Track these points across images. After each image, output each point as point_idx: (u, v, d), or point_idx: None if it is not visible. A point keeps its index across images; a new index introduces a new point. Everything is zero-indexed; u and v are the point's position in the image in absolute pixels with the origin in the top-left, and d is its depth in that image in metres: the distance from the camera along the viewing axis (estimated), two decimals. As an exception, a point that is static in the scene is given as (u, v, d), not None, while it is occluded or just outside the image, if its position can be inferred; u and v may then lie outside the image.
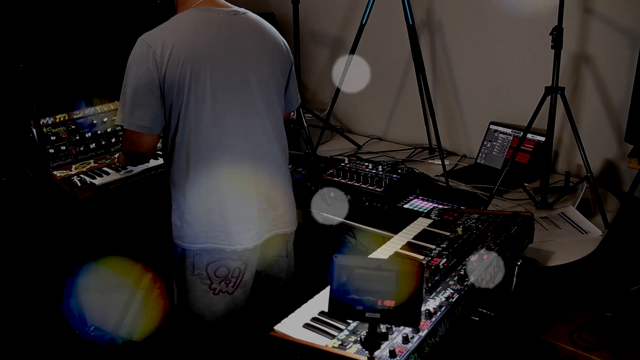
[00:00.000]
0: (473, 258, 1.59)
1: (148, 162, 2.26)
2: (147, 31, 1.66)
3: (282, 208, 1.88)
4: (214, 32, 1.69)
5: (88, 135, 2.45)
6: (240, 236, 1.77)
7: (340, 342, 1.26)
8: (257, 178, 1.80)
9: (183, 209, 1.76)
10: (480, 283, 1.49)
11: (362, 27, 2.73)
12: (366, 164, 2.58)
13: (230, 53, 1.71)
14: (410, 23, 2.61)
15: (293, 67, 1.94)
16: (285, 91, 1.93)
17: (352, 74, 2.88)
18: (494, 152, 2.71)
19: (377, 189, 2.34)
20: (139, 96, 1.64)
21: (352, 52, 2.77)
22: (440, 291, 1.43)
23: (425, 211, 2.06)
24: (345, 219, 2.27)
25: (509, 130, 2.68)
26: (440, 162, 2.57)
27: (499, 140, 2.70)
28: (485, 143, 2.75)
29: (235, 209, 1.76)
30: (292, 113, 2.90)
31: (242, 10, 1.79)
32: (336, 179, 2.47)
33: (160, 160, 2.34)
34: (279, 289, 2.02)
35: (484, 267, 1.53)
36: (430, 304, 1.37)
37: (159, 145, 1.83)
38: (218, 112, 1.70)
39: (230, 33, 1.72)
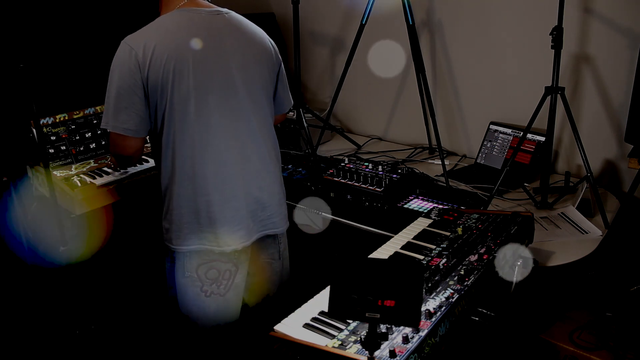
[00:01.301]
0: (473, 258, 1.60)
1: (135, 165, 2.26)
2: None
3: (271, 208, 1.86)
4: (195, 32, 1.67)
5: (88, 135, 2.45)
6: (228, 237, 1.76)
7: (340, 342, 1.26)
8: (245, 178, 1.77)
9: (171, 210, 1.75)
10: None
11: (362, 27, 2.73)
12: (366, 164, 2.58)
13: (214, 52, 1.69)
14: (410, 23, 2.61)
15: (282, 68, 1.91)
16: (275, 92, 1.91)
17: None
18: (494, 152, 2.71)
19: (377, 189, 2.34)
20: (122, 99, 1.63)
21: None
22: (440, 291, 1.44)
23: (425, 211, 2.06)
24: (345, 219, 2.27)
25: (509, 130, 2.68)
26: (440, 162, 2.57)
27: (499, 140, 2.70)
28: (485, 143, 2.75)
29: (223, 210, 1.74)
30: (292, 113, 2.90)
31: (225, 10, 1.78)
32: (336, 179, 2.47)
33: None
34: (274, 293, 2.00)
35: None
36: (430, 304, 1.37)
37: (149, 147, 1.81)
38: (202, 112, 1.68)
39: (212, 32, 1.70)
